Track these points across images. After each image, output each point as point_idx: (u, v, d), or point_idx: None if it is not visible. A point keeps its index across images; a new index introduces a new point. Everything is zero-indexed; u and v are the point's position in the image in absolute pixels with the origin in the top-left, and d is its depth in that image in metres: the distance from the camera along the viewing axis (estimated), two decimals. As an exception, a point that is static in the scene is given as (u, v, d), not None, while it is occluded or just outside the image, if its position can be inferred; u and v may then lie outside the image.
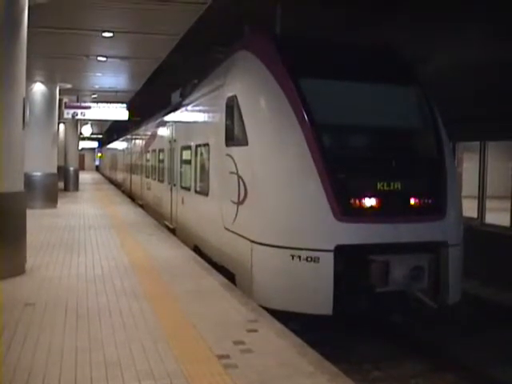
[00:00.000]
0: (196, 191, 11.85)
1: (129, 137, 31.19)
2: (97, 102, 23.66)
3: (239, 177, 8.50)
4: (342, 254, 7.39)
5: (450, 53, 14.16)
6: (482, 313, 10.31)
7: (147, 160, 21.59)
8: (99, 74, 18.98)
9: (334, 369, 4.91)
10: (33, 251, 9.83)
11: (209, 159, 10.57)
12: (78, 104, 23.52)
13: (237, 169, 8.63)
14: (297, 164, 7.77)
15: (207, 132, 10.98)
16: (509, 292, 12.09)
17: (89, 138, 55.77)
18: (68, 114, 22.76)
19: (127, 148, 31.50)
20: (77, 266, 9.09)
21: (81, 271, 8.72)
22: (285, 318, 6.66)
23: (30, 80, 17.17)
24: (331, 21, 14.94)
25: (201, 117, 11.93)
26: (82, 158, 60.04)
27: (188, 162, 12.78)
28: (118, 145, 39.40)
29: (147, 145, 21.88)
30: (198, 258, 9.97)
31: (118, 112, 23.44)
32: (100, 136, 59.72)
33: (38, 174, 18.18)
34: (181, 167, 13.89)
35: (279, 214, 7.73)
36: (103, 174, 58.76)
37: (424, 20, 13.87)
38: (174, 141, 14.92)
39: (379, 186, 7.76)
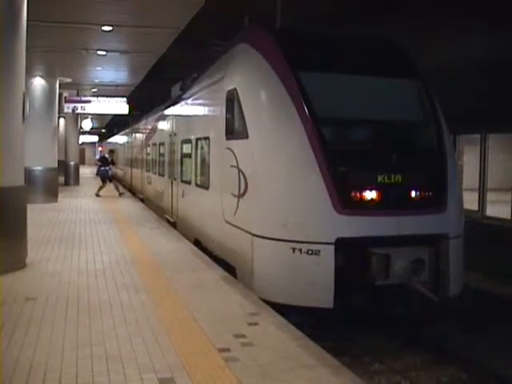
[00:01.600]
0: (196, 185, 11.84)
1: (129, 131, 31.15)
2: (97, 96, 23.61)
3: (240, 170, 8.48)
4: (343, 246, 7.39)
5: (452, 46, 14.14)
6: (482, 306, 10.30)
7: (147, 154, 21.58)
8: (99, 68, 18.95)
9: (335, 361, 4.92)
10: (34, 246, 9.82)
11: (209, 153, 10.56)
12: (78, 98, 23.48)
13: (237, 162, 8.62)
14: (297, 157, 7.75)
15: (207, 125, 10.97)
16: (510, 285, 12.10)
17: (89, 132, 55.74)
18: (68, 108, 22.73)
19: (127, 142, 31.47)
20: (78, 260, 9.09)
21: (82, 265, 8.72)
22: (285, 311, 6.66)
23: (29, 74, 17.13)
24: (331, 17, 14.89)
25: (201, 110, 11.91)
26: (82, 153, 59.98)
27: (188, 155, 12.77)
28: (119, 139, 39.36)
29: (147, 139, 21.87)
30: (199, 252, 9.97)
31: (118, 106, 23.40)
32: (101, 130, 59.69)
33: (39, 168, 18.17)
34: (181, 161, 13.87)
35: (280, 207, 7.72)
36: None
37: (425, 15, 13.84)
38: (175, 134, 14.90)
39: (380, 178, 7.74)
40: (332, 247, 7.32)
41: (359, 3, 14.12)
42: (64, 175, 28.63)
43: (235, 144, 8.82)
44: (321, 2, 14.25)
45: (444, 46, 14.27)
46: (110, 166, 22.52)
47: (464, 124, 13.62)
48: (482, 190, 14.49)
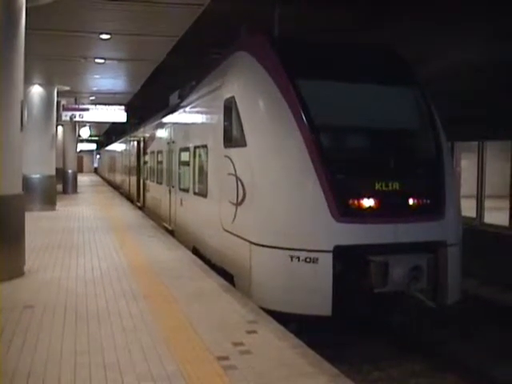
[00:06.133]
0: (195, 193, 11.84)
1: (127, 139, 31.16)
2: (95, 104, 23.64)
3: (238, 178, 8.49)
4: (341, 254, 7.39)
5: (450, 53, 14.18)
6: (481, 313, 10.30)
7: (145, 162, 21.58)
8: (97, 76, 18.97)
9: (333, 370, 4.91)
10: (32, 253, 9.82)
11: (207, 161, 10.57)
12: (76, 106, 23.52)
13: (235, 170, 8.63)
14: (295, 165, 7.76)
15: (205, 133, 10.98)
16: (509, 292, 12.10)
17: (87, 140, 55.79)
18: (66, 116, 22.77)
19: (125, 150, 31.46)
20: (76, 268, 9.08)
21: (80, 273, 8.71)
22: (284, 319, 6.65)
23: (27, 82, 17.12)
24: (331, 23, 14.93)
25: (199, 118, 11.93)
26: (80, 160, 60.12)
27: (186, 163, 12.78)
28: (117, 147, 39.35)
29: (145, 147, 21.87)
30: (197, 260, 9.96)
31: (117, 114, 23.44)
32: (99, 138, 59.74)
33: (37, 176, 18.15)
34: (179, 169, 13.89)
35: (278, 215, 7.73)
36: (102, 177, 58.72)
37: (424, 20, 13.88)
38: (173, 142, 14.91)
39: (377, 186, 7.75)
40: (330, 255, 7.32)
41: (359, 9, 14.15)
42: (62, 183, 28.61)
43: (233, 152, 8.83)
44: (320, 10, 14.27)
45: (443, 52, 14.31)
46: None
47: (462, 131, 13.65)
48: (480, 197, 14.50)
